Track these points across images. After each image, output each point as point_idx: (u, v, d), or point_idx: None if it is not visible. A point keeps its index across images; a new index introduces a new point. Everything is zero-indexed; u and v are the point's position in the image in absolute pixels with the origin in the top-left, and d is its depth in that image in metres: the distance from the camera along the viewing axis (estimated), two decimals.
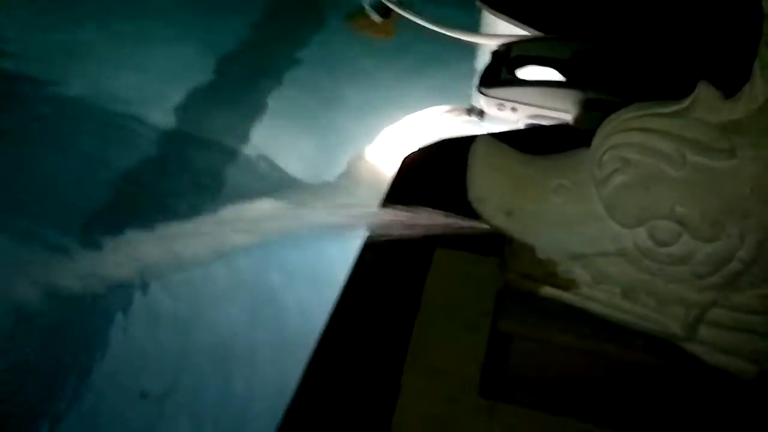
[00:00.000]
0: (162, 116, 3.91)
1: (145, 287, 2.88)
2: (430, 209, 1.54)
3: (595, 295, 1.28)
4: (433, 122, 3.39)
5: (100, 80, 4.25)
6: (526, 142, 1.37)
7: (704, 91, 1.11)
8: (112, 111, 3.98)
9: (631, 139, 1.13)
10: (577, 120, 2.79)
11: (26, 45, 4.57)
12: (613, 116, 1.19)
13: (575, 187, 1.21)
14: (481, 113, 3.45)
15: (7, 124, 3.82)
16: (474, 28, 3.22)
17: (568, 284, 1.30)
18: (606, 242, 1.19)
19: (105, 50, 4.52)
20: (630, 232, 1.15)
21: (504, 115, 3.30)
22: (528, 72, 3.06)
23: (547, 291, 1.34)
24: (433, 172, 2.33)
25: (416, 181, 2.39)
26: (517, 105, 3.27)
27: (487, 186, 1.25)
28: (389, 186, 2.35)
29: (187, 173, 3.58)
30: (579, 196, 1.20)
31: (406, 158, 2.58)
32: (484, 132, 3.09)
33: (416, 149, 2.62)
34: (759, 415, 1.42)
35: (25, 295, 2.64)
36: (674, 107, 1.14)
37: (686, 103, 1.13)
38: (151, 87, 4.16)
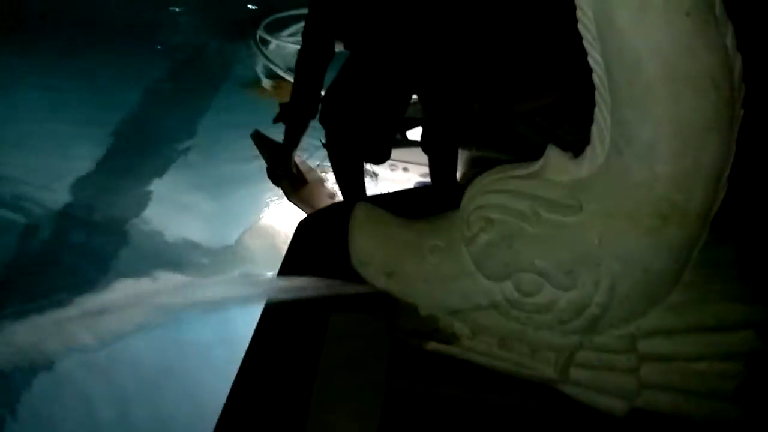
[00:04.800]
0: (51, 193, 3.80)
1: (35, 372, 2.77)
2: (324, 276, 1.60)
3: (475, 347, 1.37)
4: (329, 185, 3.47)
5: None
6: (416, 201, 1.45)
7: (553, 154, 1.24)
8: None
9: (493, 200, 1.24)
10: (463, 177, 2.94)
11: None
12: (477, 179, 1.30)
13: (448, 247, 1.30)
14: (374, 174, 3.57)
15: None
16: None
17: (451, 338, 1.38)
18: (479, 296, 1.28)
19: None
20: (498, 285, 1.25)
21: (396, 176, 3.44)
22: (417, 133, 3.21)
23: (433, 346, 1.42)
24: (327, 236, 2.39)
25: (312, 246, 2.44)
26: (408, 165, 3.41)
27: (368, 250, 1.33)
28: (286, 252, 2.40)
29: (79, 249, 3.49)
30: (451, 255, 1.29)
31: (300, 223, 2.64)
32: (379, 192, 3.21)
33: (310, 214, 2.68)
34: None
35: None
36: (529, 169, 1.26)
37: (538, 165, 1.25)
38: (40, 164, 4.05)
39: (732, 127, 1.13)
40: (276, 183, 2.88)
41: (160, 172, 4.12)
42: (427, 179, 3.15)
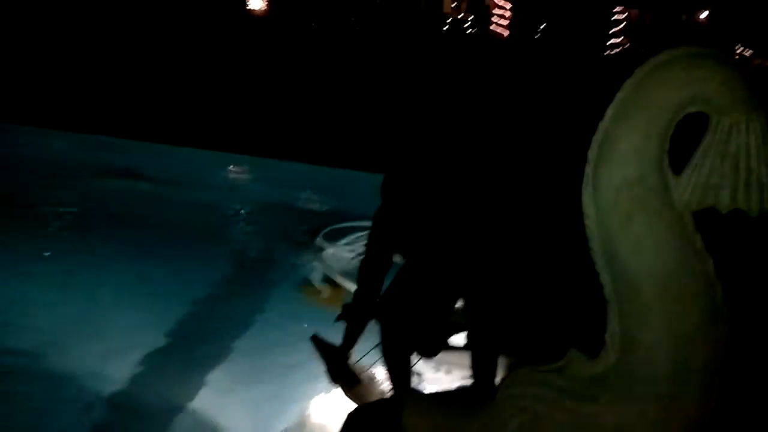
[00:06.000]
0: (101, 379, 3.98)
1: None
2: None
3: None
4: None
5: (54, 340, 4.36)
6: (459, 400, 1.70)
7: (574, 354, 1.52)
8: (61, 372, 4.05)
9: (523, 390, 1.51)
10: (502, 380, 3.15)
11: None
12: (510, 374, 1.58)
13: (486, 429, 1.55)
14: (419, 374, 3.78)
15: None
16: None
17: None
18: None
19: (57, 310, 4.69)
20: None
21: (439, 377, 3.64)
22: (461, 338, 3.46)
23: None
24: (376, 425, 2.60)
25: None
26: (451, 367, 3.63)
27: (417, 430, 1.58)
28: None
29: None
30: None
31: (351, 414, 2.85)
32: (424, 390, 3.41)
33: (361, 405, 2.90)
34: None
35: None
36: (555, 366, 1.54)
37: (562, 362, 1.53)
38: (96, 348, 4.28)
39: (717, 336, 1.40)
40: (333, 381, 3.14)
41: (213, 364, 4.32)
42: (469, 382, 3.35)
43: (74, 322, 4.61)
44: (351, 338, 3.02)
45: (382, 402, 2.96)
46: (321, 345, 3.30)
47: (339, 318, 2.99)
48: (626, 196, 1.41)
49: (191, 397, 3.99)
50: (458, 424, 1.58)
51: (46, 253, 5.58)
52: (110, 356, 4.26)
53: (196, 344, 4.62)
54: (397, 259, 2.92)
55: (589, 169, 1.47)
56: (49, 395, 3.96)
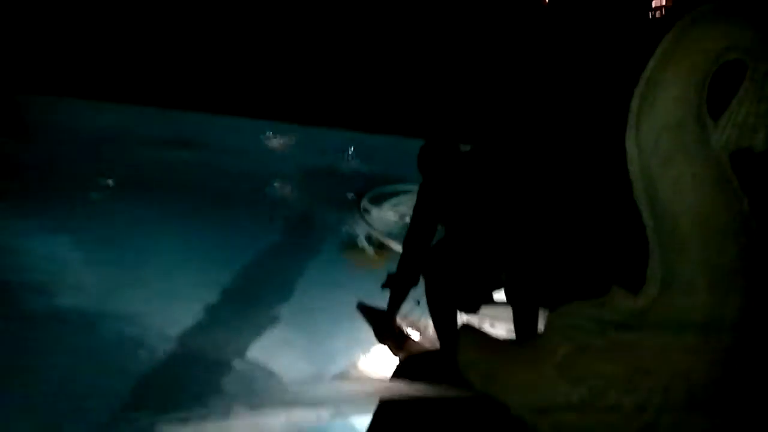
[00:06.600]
0: (158, 332, 4.16)
1: None
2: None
3: None
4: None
5: (105, 295, 4.57)
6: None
7: (617, 290, 1.65)
8: (111, 327, 4.25)
9: (570, 321, 1.64)
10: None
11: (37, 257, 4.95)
12: (557, 309, 1.72)
13: (534, 358, 1.69)
14: None
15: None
16: None
17: None
18: (559, 398, 1.64)
19: (113, 270, 4.90)
20: (575, 389, 1.61)
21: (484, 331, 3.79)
22: (503, 293, 3.59)
23: None
24: (427, 370, 2.76)
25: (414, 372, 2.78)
26: (494, 321, 3.77)
27: (471, 358, 1.73)
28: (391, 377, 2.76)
29: (185, 388, 3.80)
30: (537, 364, 1.67)
31: (402, 362, 3.01)
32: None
33: (410, 355, 3.06)
34: None
35: None
36: (599, 300, 1.67)
37: (605, 298, 1.66)
38: (152, 305, 4.48)
39: (753, 266, 1.51)
40: (382, 342, 3.31)
41: (263, 320, 4.44)
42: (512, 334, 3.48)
43: (129, 282, 4.81)
44: (395, 304, 3.20)
45: (432, 351, 3.12)
46: (367, 311, 3.47)
47: (384, 286, 3.15)
48: (667, 139, 1.52)
49: (241, 351, 4.14)
50: (510, 354, 1.72)
51: (98, 218, 5.82)
52: (164, 312, 4.45)
53: (247, 302, 4.78)
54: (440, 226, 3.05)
55: (631, 117, 1.58)
56: (108, 345, 4.16)
